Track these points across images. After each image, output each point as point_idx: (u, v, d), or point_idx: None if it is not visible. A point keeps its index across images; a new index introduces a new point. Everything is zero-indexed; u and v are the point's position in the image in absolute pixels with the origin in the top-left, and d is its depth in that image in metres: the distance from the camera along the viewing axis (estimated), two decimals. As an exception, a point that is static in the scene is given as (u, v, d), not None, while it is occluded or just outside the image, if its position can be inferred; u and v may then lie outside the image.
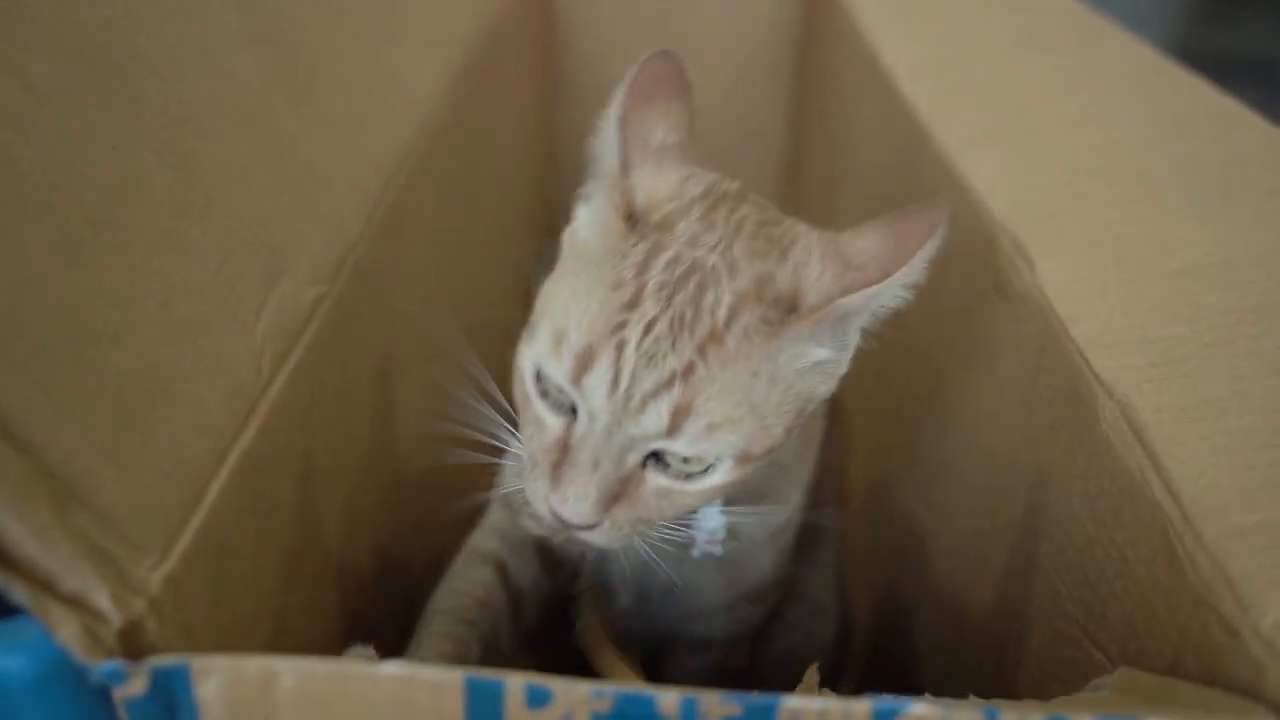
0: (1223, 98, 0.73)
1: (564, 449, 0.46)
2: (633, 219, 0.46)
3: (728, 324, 0.45)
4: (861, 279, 0.46)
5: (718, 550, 0.57)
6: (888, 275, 0.46)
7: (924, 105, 0.79)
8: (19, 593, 0.34)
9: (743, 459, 0.46)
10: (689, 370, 0.44)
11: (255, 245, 0.53)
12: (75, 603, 0.35)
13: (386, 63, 0.76)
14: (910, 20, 0.97)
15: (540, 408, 0.47)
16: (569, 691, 0.34)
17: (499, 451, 0.52)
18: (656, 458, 0.46)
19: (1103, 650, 0.49)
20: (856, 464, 0.85)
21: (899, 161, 0.86)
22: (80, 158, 0.44)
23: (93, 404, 0.39)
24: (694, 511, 0.51)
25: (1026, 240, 0.60)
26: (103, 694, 0.36)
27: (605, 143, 0.49)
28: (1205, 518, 0.42)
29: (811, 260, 0.47)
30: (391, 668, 0.35)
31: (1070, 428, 0.53)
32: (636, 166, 0.48)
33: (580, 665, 0.60)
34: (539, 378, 0.47)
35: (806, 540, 0.70)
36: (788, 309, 0.46)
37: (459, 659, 0.55)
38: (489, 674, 0.35)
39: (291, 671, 0.35)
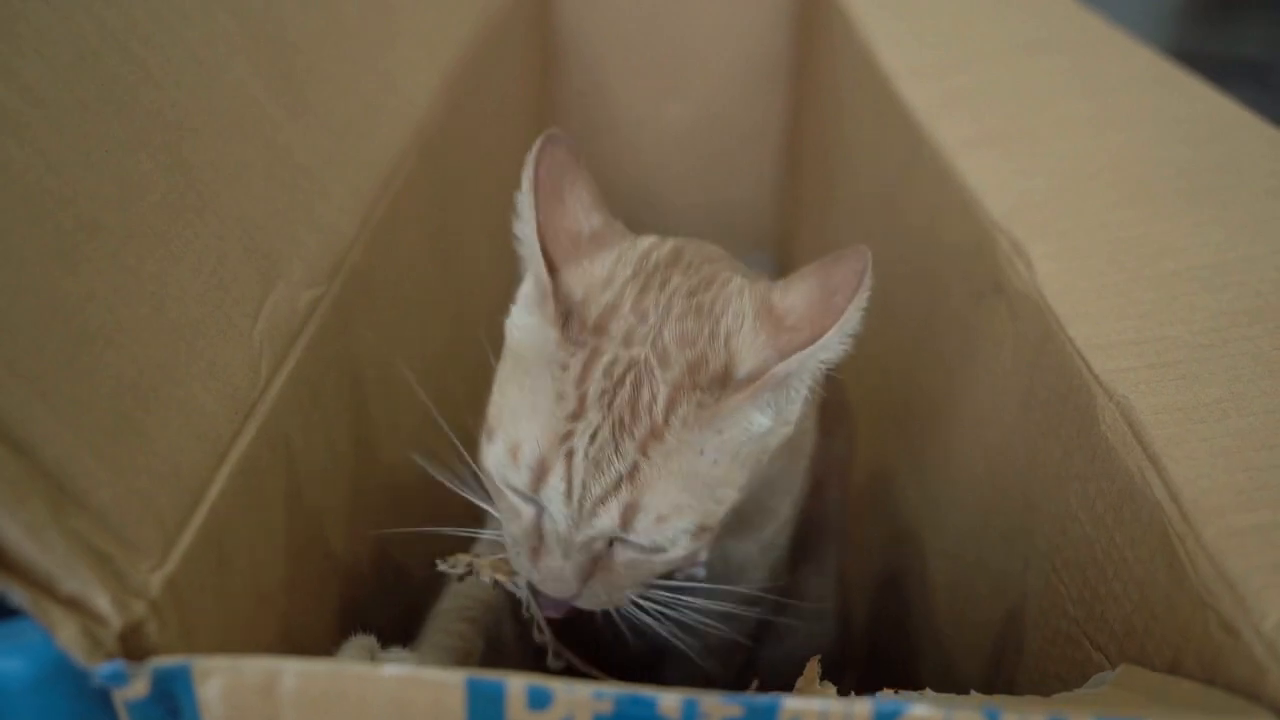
0: (1221, 99, 0.73)
1: (539, 535, 0.49)
2: (568, 320, 0.48)
3: (666, 419, 0.46)
4: (795, 342, 0.47)
5: (700, 572, 0.58)
6: (820, 335, 0.46)
7: (922, 107, 0.79)
8: (18, 595, 0.34)
9: (699, 532, 0.48)
10: (634, 471, 0.46)
11: (250, 249, 0.53)
12: (75, 605, 0.35)
13: (382, 66, 0.76)
14: (908, 22, 0.97)
15: (512, 499, 0.49)
16: (570, 693, 0.34)
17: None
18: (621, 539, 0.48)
19: (1102, 651, 0.49)
20: (858, 463, 0.85)
21: (897, 162, 0.86)
22: (76, 162, 0.44)
23: (88, 406, 0.39)
24: (669, 575, 0.52)
25: (1025, 241, 0.60)
26: (102, 696, 0.36)
27: (528, 248, 0.49)
28: (1205, 518, 0.42)
29: (744, 327, 0.48)
30: (393, 669, 0.35)
31: (1068, 428, 0.53)
32: (564, 266, 0.49)
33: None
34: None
35: (810, 541, 0.70)
36: (724, 385, 0.47)
37: (463, 656, 0.56)
38: (490, 675, 0.35)
39: (293, 672, 0.35)
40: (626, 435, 0.46)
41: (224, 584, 0.44)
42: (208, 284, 0.49)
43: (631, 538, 0.47)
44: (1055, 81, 0.81)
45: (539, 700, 0.34)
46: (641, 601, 0.52)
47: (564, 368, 0.47)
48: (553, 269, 0.48)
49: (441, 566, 0.55)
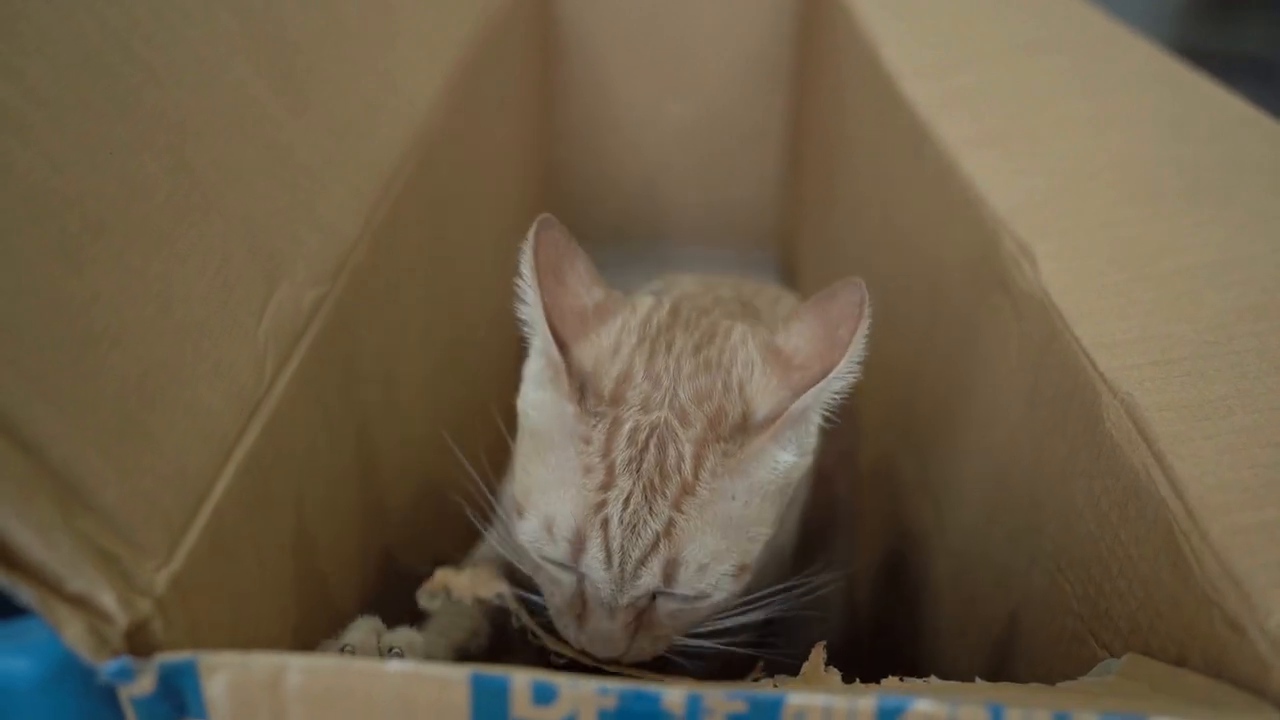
0: (1223, 95, 0.73)
1: (583, 601, 0.50)
2: (584, 394, 0.49)
3: (696, 474, 0.48)
4: (806, 379, 0.49)
5: None
6: (830, 369, 0.48)
7: (924, 105, 0.79)
8: (25, 593, 0.34)
9: (739, 573, 0.50)
10: (670, 527, 0.48)
11: (254, 249, 0.53)
12: (81, 603, 0.35)
13: (383, 66, 0.76)
14: (911, 21, 0.97)
15: (552, 571, 0.51)
16: (575, 688, 0.34)
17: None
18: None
19: (1107, 648, 0.49)
20: (863, 461, 0.85)
21: (899, 162, 0.86)
22: (80, 162, 0.44)
23: (94, 407, 0.39)
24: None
25: (1029, 240, 0.60)
26: (108, 694, 0.36)
27: (536, 330, 0.51)
28: (1210, 516, 0.42)
29: (754, 374, 0.50)
30: (397, 665, 0.35)
31: (1073, 426, 0.53)
32: (573, 342, 0.51)
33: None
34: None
35: (816, 536, 0.70)
36: (745, 431, 0.49)
37: (469, 636, 0.57)
38: (494, 670, 0.35)
39: (299, 668, 0.35)
40: (659, 496, 0.47)
41: (229, 582, 0.44)
42: (212, 284, 0.49)
43: (675, 590, 0.49)
44: (1057, 81, 0.81)
45: (543, 695, 0.34)
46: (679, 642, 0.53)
47: (587, 441, 0.48)
48: (563, 346, 0.50)
49: (422, 602, 0.55)
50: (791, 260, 1.43)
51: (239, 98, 0.57)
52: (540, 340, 0.51)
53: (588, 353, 0.51)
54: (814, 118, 1.28)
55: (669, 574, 0.48)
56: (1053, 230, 0.61)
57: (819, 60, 1.24)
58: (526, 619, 0.52)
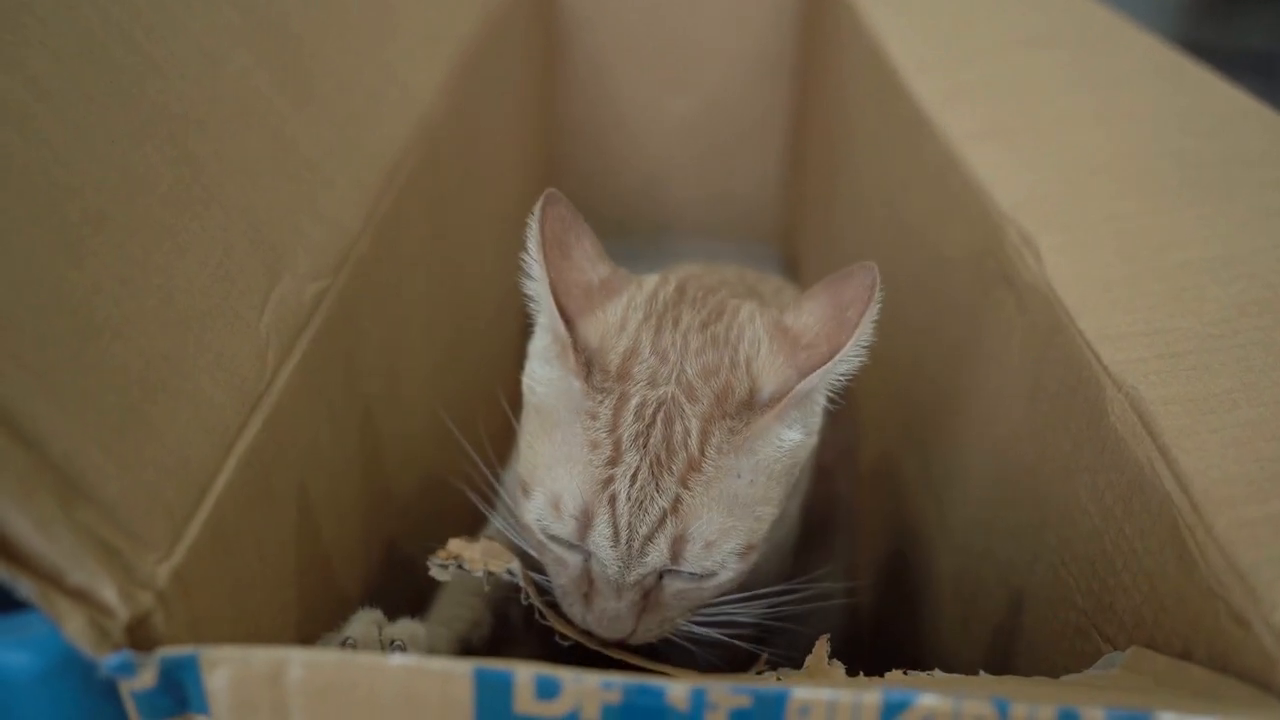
0: (1226, 88, 0.73)
1: (589, 580, 0.50)
2: (590, 370, 0.49)
3: (702, 449, 0.48)
4: (813, 359, 0.49)
5: None
6: (838, 350, 0.48)
7: (928, 100, 0.79)
8: (26, 586, 0.34)
9: (746, 551, 0.50)
10: (677, 504, 0.48)
11: (256, 241, 0.52)
12: (82, 596, 0.35)
13: (386, 58, 0.75)
14: (914, 15, 0.97)
15: (558, 551, 0.51)
16: (578, 683, 0.34)
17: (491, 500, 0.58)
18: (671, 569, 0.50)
19: (1111, 642, 0.49)
20: (864, 456, 0.85)
21: (902, 156, 0.86)
22: (82, 154, 0.44)
23: (95, 399, 0.39)
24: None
25: (1032, 233, 0.60)
26: (109, 688, 0.36)
27: (542, 306, 0.51)
28: (1215, 509, 0.42)
29: (761, 351, 0.50)
30: (400, 659, 0.35)
31: (1077, 420, 0.53)
32: (579, 318, 0.50)
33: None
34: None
35: (817, 529, 0.70)
36: (751, 408, 0.49)
37: (471, 627, 0.57)
38: (498, 665, 0.34)
39: (300, 662, 0.35)
40: (665, 472, 0.47)
41: (231, 575, 0.44)
42: (214, 276, 0.49)
43: (683, 568, 0.49)
44: (1060, 75, 0.80)
45: (547, 690, 0.34)
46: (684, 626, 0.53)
47: (594, 417, 0.48)
48: (569, 322, 0.50)
49: (433, 570, 0.55)
50: (793, 255, 1.43)
51: (241, 90, 0.57)
52: (546, 316, 0.50)
53: (594, 328, 0.50)
54: (816, 112, 1.28)
55: (676, 551, 0.48)
56: (1056, 224, 0.61)
57: (822, 55, 1.24)
58: (535, 597, 0.52)
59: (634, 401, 0.48)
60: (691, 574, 0.49)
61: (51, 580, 0.35)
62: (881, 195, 0.95)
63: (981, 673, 0.45)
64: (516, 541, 0.55)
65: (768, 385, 0.49)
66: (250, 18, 0.61)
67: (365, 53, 0.73)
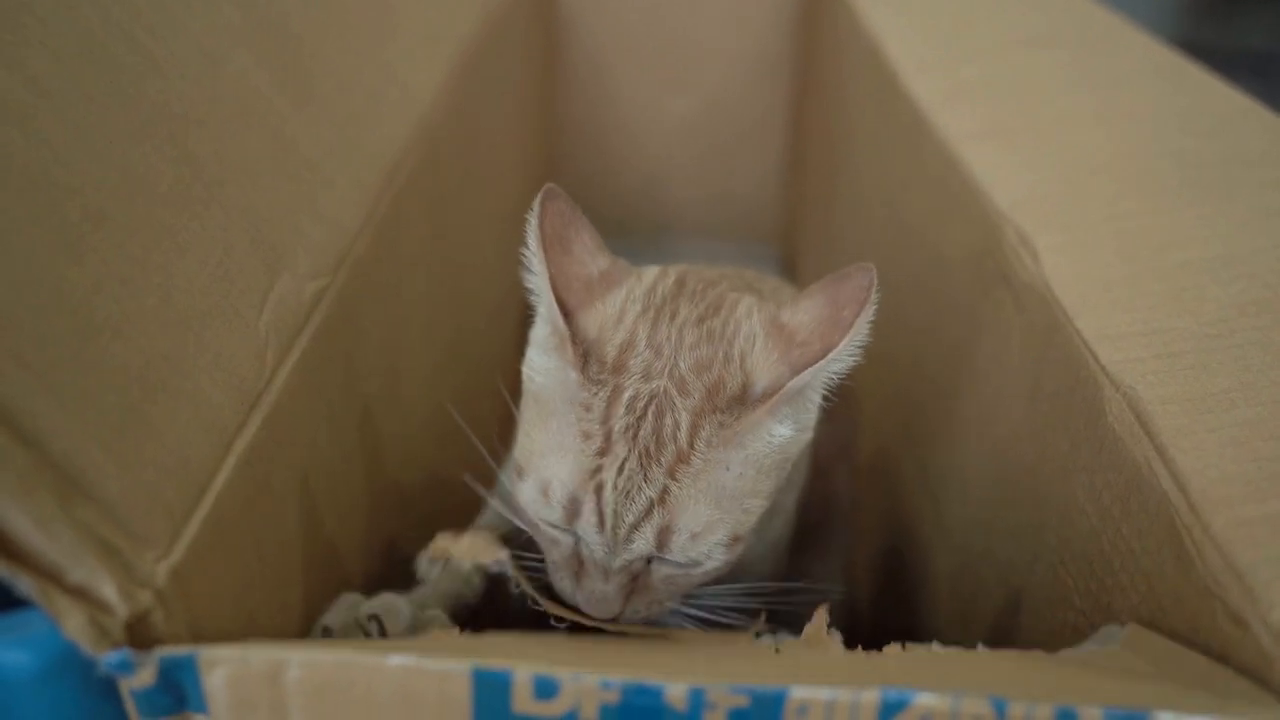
0: (1225, 89, 0.73)
1: (579, 561, 0.51)
2: (587, 361, 0.49)
3: (691, 443, 0.48)
4: (807, 356, 0.49)
5: None
6: (831, 348, 0.48)
7: (927, 100, 0.79)
8: (25, 584, 0.34)
9: (732, 543, 0.50)
10: (664, 495, 0.48)
11: (256, 240, 0.53)
12: (81, 594, 0.35)
13: (386, 58, 0.75)
14: (913, 15, 0.97)
15: (550, 532, 0.51)
16: (577, 682, 0.34)
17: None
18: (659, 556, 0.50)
19: (1109, 642, 0.49)
20: (862, 454, 0.85)
21: (901, 155, 0.86)
22: (82, 153, 0.44)
23: (95, 398, 0.39)
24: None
25: (1031, 233, 0.60)
26: (108, 687, 0.36)
27: (542, 298, 0.51)
28: (1213, 509, 0.42)
29: (756, 347, 0.50)
30: (399, 658, 0.35)
31: (1076, 420, 0.53)
32: (578, 310, 0.51)
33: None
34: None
35: (814, 526, 0.70)
36: (743, 403, 0.49)
37: (464, 582, 0.57)
38: (496, 664, 0.34)
39: (299, 661, 0.35)
40: (654, 463, 0.48)
41: (230, 574, 0.44)
42: (214, 275, 0.49)
43: (669, 557, 0.49)
44: (1059, 75, 0.81)
45: (545, 690, 0.34)
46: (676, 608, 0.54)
47: (587, 408, 0.49)
48: (568, 314, 0.50)
49: (421, 570, 0.56)
50: (792, 255, 1.43)
51: (241, 89, 0.57)
52: (545, 308, 0.51)
53: (592, 320, 0.51)
54: (816, 112, 1.28)
55: (662, 540, 0.49)
56: (1055, 224, 0.61)
57: (821, 55, 1.24)
58: (526, 586, 0.53)
59: (627, 394, 0.49)
60: (678, 562, 0.50)
61: (51, 578, 0.35)
62: (881, 195, 0.95)
63: (980, 646, 0.45)
64: (511, 517, 0.55)
65: (760, 381, 0.49)
66: (250, 18, 0.61)
67: (365, 53, 0.73)
